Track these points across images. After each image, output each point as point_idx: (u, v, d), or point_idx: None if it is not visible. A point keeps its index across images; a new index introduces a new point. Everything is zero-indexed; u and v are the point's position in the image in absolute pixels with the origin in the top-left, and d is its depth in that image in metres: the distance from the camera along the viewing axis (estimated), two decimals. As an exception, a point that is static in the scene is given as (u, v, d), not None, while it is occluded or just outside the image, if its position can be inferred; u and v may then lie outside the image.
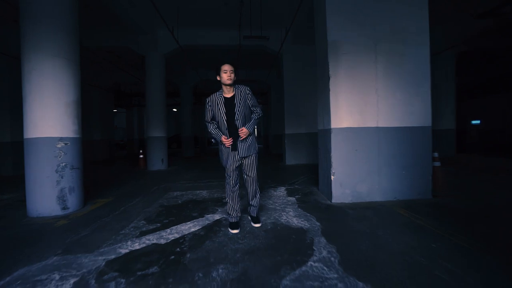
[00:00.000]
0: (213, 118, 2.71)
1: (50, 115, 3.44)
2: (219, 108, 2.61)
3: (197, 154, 14.09)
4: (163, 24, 6.94)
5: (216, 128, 2.70)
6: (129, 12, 6.64)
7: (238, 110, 2.59)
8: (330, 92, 3.70)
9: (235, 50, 8.98)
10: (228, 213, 2.82)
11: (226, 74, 2.55)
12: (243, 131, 2.55)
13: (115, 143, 16.31)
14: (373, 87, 3.74)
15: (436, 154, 3.92)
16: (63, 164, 3.51)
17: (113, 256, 2.19)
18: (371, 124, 3.74)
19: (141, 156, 8.49)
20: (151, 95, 8.05)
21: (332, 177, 3.71)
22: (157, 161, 8.05)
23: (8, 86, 7.16)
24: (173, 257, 2.17)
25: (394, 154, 3.75)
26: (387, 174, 3.75)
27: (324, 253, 2.18)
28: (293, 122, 8.43)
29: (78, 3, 3.90)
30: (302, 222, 2.94)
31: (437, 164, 3.91)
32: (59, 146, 3.47)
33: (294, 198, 4.02)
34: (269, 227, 2.83)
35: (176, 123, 24.52)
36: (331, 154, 3.71)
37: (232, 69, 2.58)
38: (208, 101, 2.68)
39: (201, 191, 4.70)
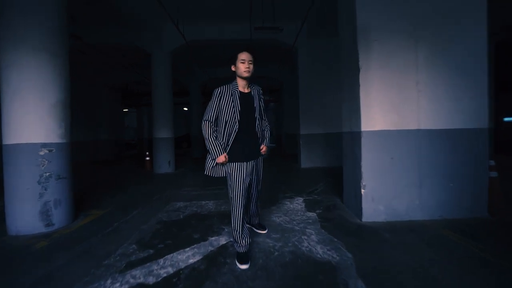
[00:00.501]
0: (216, 118, 2.17)
1: (31, 118, 2.98)
2: (233, 104, 2.11)
3: (204, 155, 13.62)
4: (169, 19, 6.43)
5: (216, 136, 2.15)
6: (133, 7, 6.18)
7: (259, 113, 2.23)
8: (360, 88, 3.04)
9: (246, 45, 8.39)
10: (236, 241, 2.22)
11: (244, 65, 2.11)
12: (264, 149, 2.30)
13: (124, 142, 16.14)
14: (413, 80, 3.05)
15: (492, 162, 3.18)
16: (47, 174, 3.03)
17: (81, 307, 1.65)
18: (411, 126, 3.06)
19: (147, 158, 8.07)
20: (157, 94, 7.59)
21: (362, 190, 3.06)
22: (164, 163, 7.61)
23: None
24: (159, 311, 1.61)
25: (439, 162, 3.05)
26: (430, 187, 3.06)
27: (367, 310, 1.56)
28: (308, 122, 7.75)
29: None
30: (329, 252, 2.32)
31: (494, 174, 3.17)
32: (42, 153, 3.00)
33: (315, 214, 3.39)
34: (287, 259, 2.23)
35: (186, 122, 24.25)
36: (362, 162, 3.05)
37: (251, 59, 2.14)
38: (218, 93, 2.14)
39: (207, 201, 4.14)
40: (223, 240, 2.64)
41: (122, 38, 7.42)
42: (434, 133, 3.05)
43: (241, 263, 2.11)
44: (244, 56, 2.11)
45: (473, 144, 3.04)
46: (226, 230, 2.93)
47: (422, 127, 3.05)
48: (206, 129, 2.13)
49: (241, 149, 2.15)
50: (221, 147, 2.12)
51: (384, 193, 3.06)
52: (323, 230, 2.85)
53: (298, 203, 3.92)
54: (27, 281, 1.99)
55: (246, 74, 2.12)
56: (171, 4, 5.90)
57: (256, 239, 2.64)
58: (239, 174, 2.11)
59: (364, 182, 3.06)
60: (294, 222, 3.13)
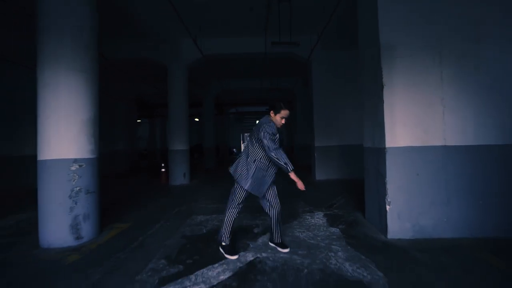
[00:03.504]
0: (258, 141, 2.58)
1: (64, 134, 3.11)
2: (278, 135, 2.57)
3: (218, 165, 13.70)
4: (186, 34, 6.66)
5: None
6: (152, 22, 6.44)
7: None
8: (384, 104, 3.06)
9: (261, 58, 8.56)
10: (224, 234, 2.67)
11: (284, 120, 2.61)
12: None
13: (139, 153, 16.43)
14: (438, 97, 3.05)
15: (523, 179, 3.11)
16: (78, 188, 3.14)
17: (123, 325, 1.69)
18: (437, 142, 3.04)
19: (163, 170, 8.19)
20: (173, 107, 7.77)
21: (387, 207, 3.03)
22: (179, 176, 7.70)
23: (33, 100, 7.15)
24: (199, 331, 1.63)
25: (467, 179, 3.00)
26: (458, 205, 3.00)
27: (409, 335, 1.54)
28: (323, 134, 7.75)
29: (99, 15, 3.61)
30: (359, 271, 2.30)
31: (525, 191, 3.09)
32: (73, 168, 3.12)
33: (338, 230, 3.37)
34: (317, 277, 2.22)
35: (197, 132, 24.60)
36: (386, 179, 3.04)
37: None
38: (272, 127, 2.54)
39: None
40: (250, 256, 2.65)
41: (141, 53, 7.70)
42: (461, 149, 3.02)
43: (230, 255, 2.59)
44: (286, 114, 2.58)
45: (503, 160, 2.99)
46: (251, 246, 2.93)
47: (448, 143, 3.03)
48: (281, 151, 2.46)
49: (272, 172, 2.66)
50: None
51: (410, 210, 3.02)
52: (349, 247, 2.82)
53: (319, 218, 3.90)
54: (66, 296, 2.05)
55: (280, 127, 2.61)
56: (188, 18, 6.12)
57: (283, 256, 2.64)
58: (266, 180, 2.61)
59: (389, 198, 3.04)
60: (319, 238, 3.11)
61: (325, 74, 7.79)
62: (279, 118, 2.57)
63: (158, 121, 19.79)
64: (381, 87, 3.10)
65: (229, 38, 7.62)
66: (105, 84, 11.23)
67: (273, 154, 2.42)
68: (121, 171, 12.14)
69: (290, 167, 2.41)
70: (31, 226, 3.86)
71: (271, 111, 2.60)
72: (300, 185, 2.50)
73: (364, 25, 3.59)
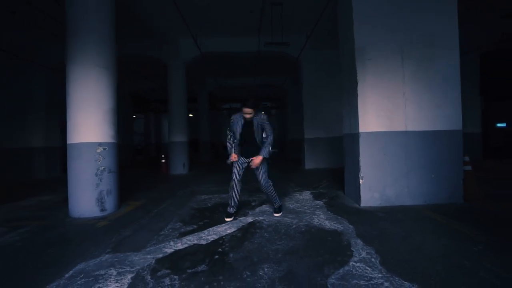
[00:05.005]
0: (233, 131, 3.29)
1: (90, 122, 3.67)
2: (236, 127, 3.23)
3: (213, 159, 14.29)
4: (185, 33, 7.20)
5: (232, 143, 3.28)
6: (155, 23, 6.94)
7: (257, 135, 3.25)
8: (358, 97, 3.75)
9: (254, 56, 9.16)
10: (228, 204, 3.35)
11: (247, 115, 3.16)
12: (256, 161, 3.17)
13: (134, 148, 16.80)
14: (401, 91, 3.77)
15: (467, 158, 3.87)
16: (102, 168, 3.71)
17: (160, 255, 2.31)
18: (399, 128, 3.76)
19: (163, 160, 8.74)
20: (173, 102, 8.31)
21: (360, 181, 3.74)
22: (179, 166, 8.27)
23: (43, 95, 7.58)
24: (217, 256, 2.27)
25: (423, 157, 3.73)
26: (416, 178, 3.73)
27: (364, 254, 2.22)
28: (312, 127, 8.46)
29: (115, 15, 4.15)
30: (335, 225, 2.98)
31: (468, 168, 3.85)
32: (98, 151, 3.68)
33: (321, 202, 4.06)
34: (303, 229, 2.89)
35: (191, 128, 25.11)
36: (360, 158, 3.74)
37: (252, 111, 3.13)
38: (232, 119, 3.31)
39: (227, 194, 4.79)
40: (250, 219, 3.30)
41: (142, 50, 8.20)
42: (419, 134, 3.74)
43: (226, 217, 3.30)
44: (246, 111, 3.11)
45: (450, 143, 3.74)
46: (250, 213, 3.58)
47: (409, 129, 3.75)
48: (229, 137, 3.30)
49: (241, 150, 3.32)
50: (233, 150, 3.25)
51: (379, 183, 3.74)
52: (329, 212, 3.51)
53: (306, 195, 4.59)
54: (110, 241, 2.65)
55: (248, 118, 3.17)
56: (189, 19, 6.66)
57: (276, 218, 3.30)
58: (238, 161, 3.28)
59: (362, 174, 3.74)
60: (305, 207, 3.79)
61: (314, 72, 8.48)
62: (245, 115, 3.15)
63: (152, 117, 20.11)
64: (355, 84, 3.79)
65: (226, 38, 8.19)
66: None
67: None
68: (120, 165, 12.54)
69: (229, 150, 3.29)
70: (55, 204, 4.41)
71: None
72: (232, 159, 3.25)
73: (343, 32, 4.26)
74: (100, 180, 3.68)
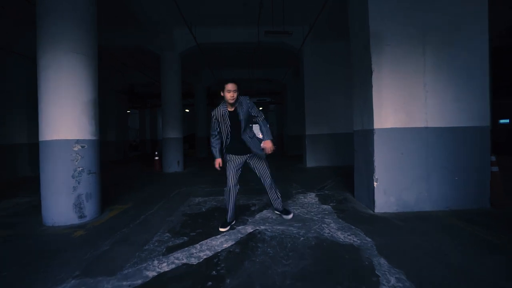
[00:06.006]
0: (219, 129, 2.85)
1: (66, 116, 3.18)
2: (225, 122, 2.76)
3: (210, 155, 13.81)
4: (180, 22, 6.67)
5: (217, 145, 2.86)
6: (146, 10, 6.39)
7: (244, 122, 2.78)
8: (373, 89, 3.30)
9: (252, 48, 8.65)
10: (226, 210, 2.94)
11: (230, 94, 2.64)
12: (268, 145, 2.77)
13: (129, 143, 16.28)
14: (421, 82, 3.31)
15: (493, 158, 3.44)
16: (80, 168, 3.23)
17: (139, 282, 1.85)
18: (419, 124, 3.31)
19: (157, 158, 8.26)
20: (167, 95, 7.80)
21: (375, 183, 3.30)
22: (173, 163, 7.80)
23: (25, 87, 7.03)
24: (210, 283, 1.82)
25: (445, 157, 3.30)
26: (437, 181, 3.30)
27: (393, 280, 1.79)
28: (314, 123, 8.01)
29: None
30: (350, 237, 2.55)
31: (495, 169, 3.43)
32: (75, 149, 3.20)
33: (329, 206, 3.62)
34: (313, 243, 2.45)
35: (188, 123, 24.46)
36: (374, 158, 3.30)
37: (236, 88, 2.66)
38: (214, 115, 2.79)
39: (223, 197, 4.34)
40: (249, 229, 2.86)
41: (134, 40, 7.65)
42: (441, 130, 3.30)
43: (221, 227, 2.83)
44: (229, 86, 2.63)
45: (476, 141, 3.30)
46: (250, 220, 3.14)
47: (430, 125, 3.31)
48: (212, 140, 2.88)
49: (233, 148, 2.85)
50: (218, 153, 2.84)
51: (395, 186, 3.30)
52: (340, 220, 3.07)
53: (311, 198, 4.15)
54: (82, 258, 2.19)
55: (231, 101, 2.67)
56: (184, 6, 6.13)
57: (280, 227, 2.86)
58: (231, 163, 2.87)
59: (376, 176, 3.30)
60: (312, 213, 3.35)
61: (316, 65, 7.99)
62: (226, 94, 2.66)
63: (148, 112, 19.55)
64: (370, 73, 3.33)
65: (224, 28, 7.67)
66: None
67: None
68: (112, 161, 12.05)
69: (215, 155, 2.87)
70: (30, 209, 3.93)
71: (220, 92, 2.74)
72: (216, 165, 2.84)
73: (355, 14, 3.78)
74: (78, 183, 3.21)
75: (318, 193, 4.48)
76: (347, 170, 6.80)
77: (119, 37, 7.62)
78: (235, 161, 2.86)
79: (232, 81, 2.66)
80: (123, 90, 13.30)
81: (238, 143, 2.82)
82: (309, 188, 4.83)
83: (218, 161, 2.82)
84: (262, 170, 2.96)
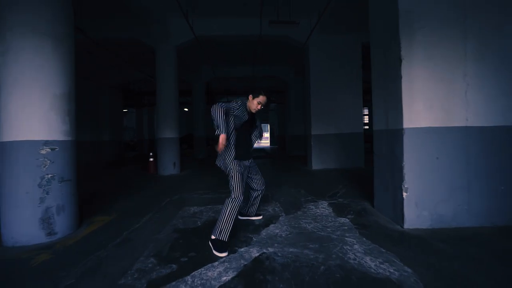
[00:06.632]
0: (227, 116, 2.48)
1: (32, 112, 2.62)
2: (245, 118, 2.58)
3: (209, 156, 13.23)
4: (176, 12, 6.10)
5: (223, 114, 2.35)
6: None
7: (257, 129, 2.83)
8: (403, 80, 2.73)
9: (254, 43, 8.09)
10: (224, 229, 2.34)
11: (259, 106, 2.59)
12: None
13: (124, 143, 15.71)
14: (461, 72, 2.75)
15: (546, 163, 2.88)
16: (49, 175, 2.67)
17: None
18: (458, 122, 2.75)
19: (151, 159, 7.68)
20: (162, 91, 7.23)
21: (404, 194, 2.74)
22: (169, 165, 7.23)
23: None
24: None
25: (489, 163, 2.74)
26: (479, 191, 2.75)
27: None
28: (320, 122, 7.44)
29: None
30: (383, 266, 1.99)
31: (549, 177, 2.87)
32: (43, 152, 2.64)
33: (347, 220, 3.07)
34: (337, 274, 1.89)
35: (186, 123, 23.85)
36: (404, 163, 2.74)
37: (266, 103, 2.61)
38: (238, 105, 2.52)
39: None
40: (254, 252, 2.30)
41: (126, 32, 7.06)
42: (485, 130, 2.75)
43: (219, 251, 2.26)
44: (262, 99, 2.56)
45: (527, 143, 2.75)
46: (254, 239, 2.58)
47: (471, 124, 2.75)
48: (220, 109, 2.32)
49: (242, 150, 2.61)
50: (224, 127, 2.33)
51: (429, 197, 2.75)
52: (365, 239, 2.52)
53: (323, 207, 3.59)
54: (29, 307, 1.63)
55: (254, 112, 2.64)
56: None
57: (292, 250, 2.31)
58: (241, 169, 2.56)
59: (406, 184, 2.74)
60: (328, 229, 2.79)
61: (323, 60, 7.42)
62: (256, 102, 2.56)
63: (145, 111, 18.97)
64: (398, 62, 2.77)
65: (223, 19, 7.10)
66: (89, 70, 10.46)
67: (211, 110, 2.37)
68: (107, 161, 11.49)
69: (219, 131, 2.34)
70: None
71: (250, 95, 2.61)
72: (219, 146, 2.37)
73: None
74: (47, 193, 2.65)
75: (331, 201, 3.92)
76: (356, 173, 6.25)
77: (111, 29, 7.02)
78: (244, 168, 2.65)
79: (266, 95, 2.59)
80: (119, 87, 12.73)
81: (242, 147, 2.63)
82: (319, 195, 4.27)
83: (223, 137, 2.33)
84: (258, 175, 2.90)
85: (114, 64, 10.29)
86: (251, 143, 2.79)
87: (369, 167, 7.27)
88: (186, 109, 20.98)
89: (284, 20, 5.41)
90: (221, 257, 2.20)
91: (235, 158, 2.52)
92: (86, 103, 10.82)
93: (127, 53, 9.14)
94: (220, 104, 2.38)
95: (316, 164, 7.45)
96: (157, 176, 7.06)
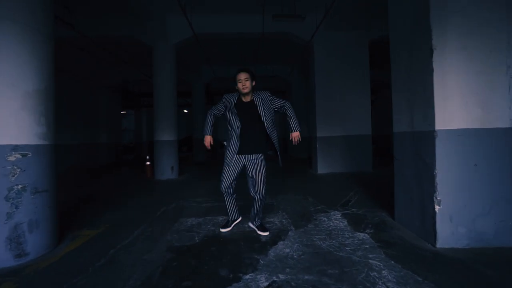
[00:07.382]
0: (224, 117, 2.71)
1: (-2, 111, 2.22)
2: (231, 111, 2.61)
3: (208, 158, 12.82)
4: (173, 9, 5.72)
5: (210, 120, 2.77)
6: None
7: (265, 117, 2.58)
8: (435, 73, 2.34)
9: (256, 41, 7.71)
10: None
11: (241, 83, 2.55)
12: (296, 135, 2.70)
13: (122, 146, 15.32)
14: (503, 64, 2.35)
15: None
16: (19, 186, 2.26)
17: None
18: (500, 123, 2.35)
19: (148, 163, 7.28)
20: (159, 91, 6.84)
21: (436, 207, 2.34)
22: (166, 169, 6.83)
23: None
24: None
25: (537, 170, 2.34)
26: (525, 203, 2.34)
27: None
28: (326, 123, 7.04)
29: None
30: (426, 305, 1.58)
31: None
32: (12, 159, 2.24)
33: (367, 236, 2.66)
34: (370, 317, 1.48)
35: (186, 124, 23.45)
36: (436, 170, 2.33)
37: (247, 76, 2.55)
38: (224, 98, 2.67)
39: (224, 217, 3.36)
40: (263, 280, 1.89)
41: (123, 29, 6.69)
42: (532, 132, 2.34)
43: (222, 228, 2.86)
44: (240, 76, 2.54)
45: None
46: (262, 262, 2.17)
47: (515, 124, 2.35)
48: (208, 116, 2.76)
49: (241, 142, 2.62)
50: (210, 129, 2.74)
51: (466, 211, 2.34)
52: (392, 262, 2.11)
53: (337, 220, 3.19)
54: None
55: (245, 91, 2.57)
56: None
57: (308, 278, 1.90)
58: (230, 163, 2.65)
59: (439, 196, 2.34)
60: (347, 248, 2.38)
61: (328, 58, 7.04)
62: (238, 85, 2.59)
63: (144, 112, 18.59)
64: (429, 52, 2.37)
65: (223, 15, 6.72)
66: (87, 72, 10.09)
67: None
68: (104, 164, 11.09)
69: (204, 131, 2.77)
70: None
71: (236, 87, 2.68)
72: (206, 145, 2.73)
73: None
74: (16, 207, 2.24)
75: (344, 211, 3.51)
76: (365, 178, 5.86)
77: (108, 27, 6.64)
78: (236, 162, 2.67)
79: (242, 69, 2.57)
80: (117, 88, 12.36)
81: (248, 137, 2.62)
82: (330, 204, 3.87)
83: (208, 139, 2.68)
84: (259, 178, 2.67)
85: (112, 64, 9.91)
86: (257, 137, 2.64)
87: (378, 171, 6.91)
88: (185, 111, 20.60)
89: (289, 14, 5.04)
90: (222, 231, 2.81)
91: (228, 150, 2.65)
92: (83, 105, 10.41)
93: (125, 53, 8.77)
94: (210, 110, 2.72)
95: (322, 168, 7.04)
96: (154, 181, 6.66)
